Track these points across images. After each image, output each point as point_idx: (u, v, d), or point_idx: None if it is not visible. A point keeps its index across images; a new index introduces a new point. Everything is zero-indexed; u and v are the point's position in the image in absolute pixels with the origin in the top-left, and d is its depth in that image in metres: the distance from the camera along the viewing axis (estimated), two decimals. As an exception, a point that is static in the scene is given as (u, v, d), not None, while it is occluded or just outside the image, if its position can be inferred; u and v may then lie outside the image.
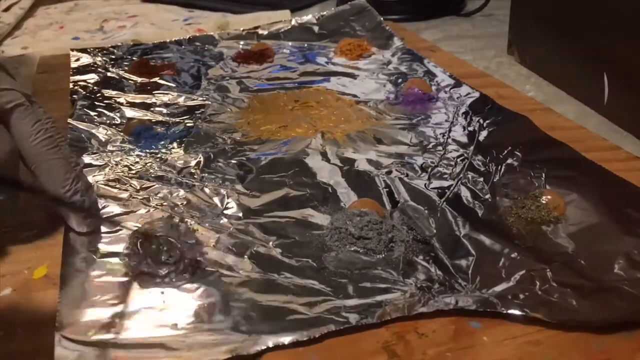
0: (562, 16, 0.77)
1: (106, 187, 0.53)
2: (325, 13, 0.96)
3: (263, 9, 1.07)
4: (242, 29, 0.94)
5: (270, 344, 0.36)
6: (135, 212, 0.49)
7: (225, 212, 0.50)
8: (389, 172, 0.55)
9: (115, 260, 0.44)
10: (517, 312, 0.38)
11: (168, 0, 1.21)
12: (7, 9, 1.15)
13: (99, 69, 0.80)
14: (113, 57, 0.85)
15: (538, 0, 0.83)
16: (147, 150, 0.59)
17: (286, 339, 0.36)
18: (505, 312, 0.38)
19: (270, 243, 0.46)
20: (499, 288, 0.40)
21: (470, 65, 0.83)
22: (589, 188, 0.50)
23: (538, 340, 0.37)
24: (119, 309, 0.39)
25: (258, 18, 1.02)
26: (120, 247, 0.44)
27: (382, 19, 0.93)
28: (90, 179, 0.54)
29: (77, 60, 0.83)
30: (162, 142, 0.61)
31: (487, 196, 0.51)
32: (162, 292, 0.41)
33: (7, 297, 0.41)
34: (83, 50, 0.86)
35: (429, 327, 0.38)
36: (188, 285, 0.41)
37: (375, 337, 0.37)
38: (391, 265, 0.43)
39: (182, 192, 0.52)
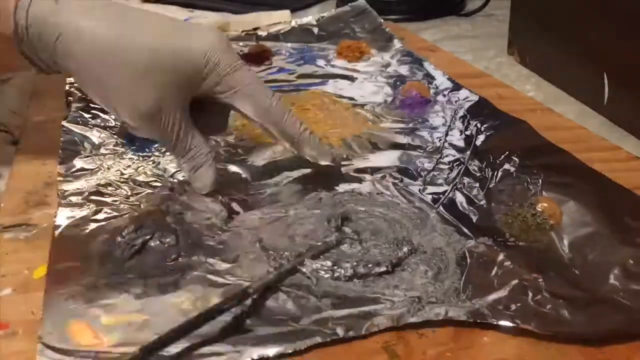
0: (562, 16, 0.76)
1: (97, 193, 0.52)
2: (325, 14, 0.95)
3: (263, 9, 1.06)
4: (241, 30, 0.93)
5: (255, 356, 0.35)
6: (123, 217, 0.49)
7: (216, 218, 0.49)
8: (383, 177, 0.54)
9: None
10: (508, 323, 0.37)
11: (168, 1, 1.21)
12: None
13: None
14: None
15: (538, 0, 0.82)
16: (140, 154, 0.59)
17: (271, 351, 0.36)
18: (495, 323, 0.38)
19: (261, 250, 0.45)
20: (490, 298, 0.40)
21: (470, 65, 0.83)
22: (586, 195, 0.49)
23: (538, 340, 0.37)
24: (102, 318, 0.39)
25: (258, 18, 1.01)
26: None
27: (382, 20, 0.92)
28: (82, 183, 0.54)
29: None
30: (156, 145, 0.60)
31: (482, 202, 0.50)
32: (145, 302, 0.40)
33: (7, 297, 0.41)
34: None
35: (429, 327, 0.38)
36: (172, 295, 0.41)
37: (375, 337, 0.37)
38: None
39: (172, 197, 0.51)
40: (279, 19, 0.97)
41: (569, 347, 0.36)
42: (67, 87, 0.74)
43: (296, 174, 0.55)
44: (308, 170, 0.56)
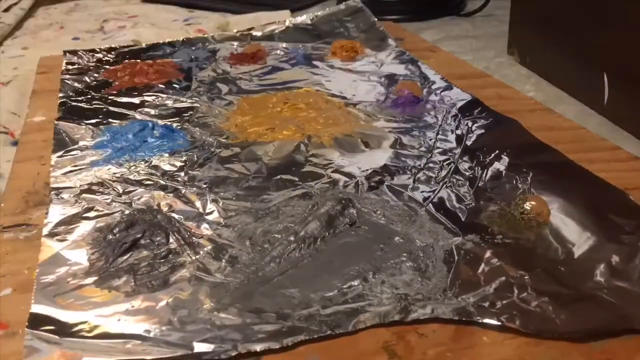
0: (562, 16, 0.76)
1: (89, 191, 0.52)
2: (319, 13, 0.95)
3: (263, 9, 1.07)
4: (240, 30, 0.93)
5: (243, 351, 0.36)
6: (114, 215, 0.49)
7: (207, 216, 0.49)
8: (375, 175, 0.54)
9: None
10: (493, 321, 0.38)
11: (168, 0, 1.21)
12: (7, 9, 1.16)
13: (91, 70, 0.81)
14: (106, 58, 0.85)
15: (538, 0, 0.82)
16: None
17: (258, 347, 0.36)
18: (480, 321, 0.38)
19: (250, 248, 0.45)
20: (477, 296, 0.40)
21: (470, 65, 0.83)
22: (574, 193, 0.49)
23: (538, 340, 0.37)
24: (91, 313, 0.39)
25: (258, 18, 1.02)
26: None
27: (376, 19, 0.92)
28: (74, 181, 0.54)
29: (71, 61, 0.84)
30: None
31: (471, 200, 0.51)
32: (135, 299, 0.41)
33: (7, 297, 0.42)
34: (76, 52, 0.87)
35: (429, 327, 0.38)
36: (161, 291, 0.41)
37: (375, 337, 0.37)
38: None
39: (164, 196, 0.52)
40: (279, 20, 0.98)
41: (570, 347, 0.36)
42: (61, 87, 0.75)
43: (287, 172, 0.55)
44: (299, 169, 0.56)
